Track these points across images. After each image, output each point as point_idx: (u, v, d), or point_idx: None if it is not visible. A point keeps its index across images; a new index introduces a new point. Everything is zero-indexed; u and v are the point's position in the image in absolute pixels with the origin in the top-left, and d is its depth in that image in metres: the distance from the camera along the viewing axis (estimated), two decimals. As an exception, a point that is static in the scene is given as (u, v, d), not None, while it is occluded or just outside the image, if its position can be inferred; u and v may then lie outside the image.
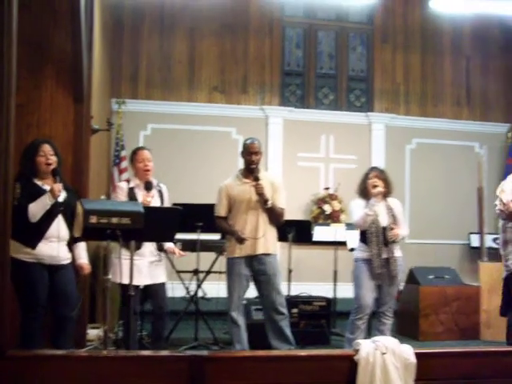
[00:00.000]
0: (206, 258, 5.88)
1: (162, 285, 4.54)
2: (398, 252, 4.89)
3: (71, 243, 4.00)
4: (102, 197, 7.03)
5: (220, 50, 9.04)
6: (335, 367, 2.57)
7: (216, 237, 6.16)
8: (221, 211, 4.76)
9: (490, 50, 9.81)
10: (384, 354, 2.55)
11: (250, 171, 4.72)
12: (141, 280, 4.37)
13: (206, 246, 5.75)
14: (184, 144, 8.66)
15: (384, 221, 4.84)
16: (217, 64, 9.03)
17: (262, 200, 4.62)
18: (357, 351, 2.59)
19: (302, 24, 9.58)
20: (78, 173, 4.83)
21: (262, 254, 4.69)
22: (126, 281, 4.27)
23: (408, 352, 2.60)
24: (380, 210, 4.84)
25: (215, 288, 6.80)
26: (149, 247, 4.41)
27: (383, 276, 4.80)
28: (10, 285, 3.48)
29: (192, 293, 5.78)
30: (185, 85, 8.93)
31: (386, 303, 4.88)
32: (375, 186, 4.80)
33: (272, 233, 4.78)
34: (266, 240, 4.70)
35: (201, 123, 8.80)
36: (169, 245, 4.58)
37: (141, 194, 4.45)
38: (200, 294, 5.91)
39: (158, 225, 3.50)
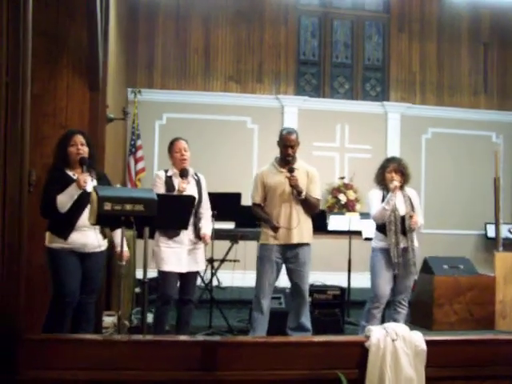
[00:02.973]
0: (220, 247, 5.92)
1: (196, 273, 4.65)
2: (415, 242, 4.90)
3: (109, 230, 4.06)
4: (118, 185, 7.11)
5: (235, 38, 9.03)
6: (347, 353, 2.59)
7: (230, 226, 6.20)
8: (256, 198, 4.84)
9: (509, 38, 9.68)
10: (394, 340, 2.57)
11: (286, 162, 4.78)
12: (181, 268, 4.47)
13: (220, 235, 5.79)
14: (199, 133, 8.66)
15: (402, 210, 4.85)
16: (232, 53, 9.03)
17: (296, 191, 4.66)
18: (368, 337, 2.61)
19: (317, 13, 9.54)
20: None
21: (297, 243, 4.74)
22: (167, 268, 4.42)
23: (419, 339, 2.61)
24: (398, 200, 4.85)
25: (229, 277, 6.87)
26: (187, 235, 4.48)
27: (400, 265, 4.80)
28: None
29: (206, 281, 5.83)
30: (200, 74, 8.94)
31: (401, 293, 4.90)
32: (392, 180, 4.81)
33: (307, 222, 4.81)
34: (301, 229, 4.74)
35: (216, 112, 8.82)
36: (205, 231, 4.60)
37: (177, 182, 4.54)
38: (215, 282, 5.95)
39: (172, 212, 3.54)
